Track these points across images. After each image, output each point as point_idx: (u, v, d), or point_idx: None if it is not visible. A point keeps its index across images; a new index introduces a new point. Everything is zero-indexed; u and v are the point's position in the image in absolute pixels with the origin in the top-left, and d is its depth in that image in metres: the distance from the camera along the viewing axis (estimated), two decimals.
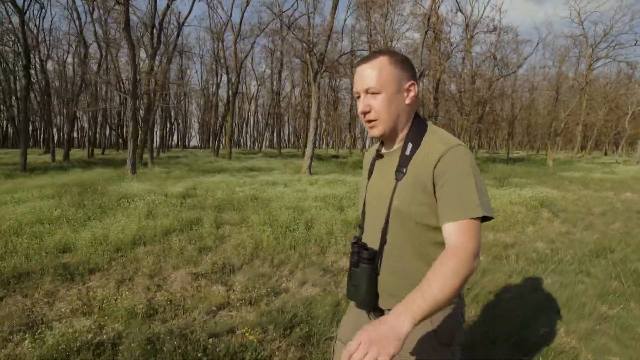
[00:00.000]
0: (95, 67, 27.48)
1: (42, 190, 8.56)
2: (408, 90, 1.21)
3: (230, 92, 27.68)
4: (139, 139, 16.88)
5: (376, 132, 1.21)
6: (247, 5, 25.32)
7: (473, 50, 23.13)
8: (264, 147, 67.19)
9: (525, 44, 40.35)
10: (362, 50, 18.36)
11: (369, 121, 1.20)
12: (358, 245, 1.26)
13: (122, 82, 28.51)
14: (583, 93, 27.97)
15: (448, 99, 20.79)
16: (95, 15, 24.85)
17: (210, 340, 2.66)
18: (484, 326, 3.03)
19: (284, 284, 3.86)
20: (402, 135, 1.24)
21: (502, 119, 31.49)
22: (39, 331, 2.77)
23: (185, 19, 22.47)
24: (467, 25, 21.42)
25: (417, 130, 1.22)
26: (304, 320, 3.01)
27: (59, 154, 25.05)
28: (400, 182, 1.17)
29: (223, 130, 31.69)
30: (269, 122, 55.57)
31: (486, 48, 23.18)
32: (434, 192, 1.12)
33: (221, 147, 34.05)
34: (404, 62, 1.20)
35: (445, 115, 22.17)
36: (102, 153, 33.64)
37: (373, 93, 1.18)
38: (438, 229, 1.14)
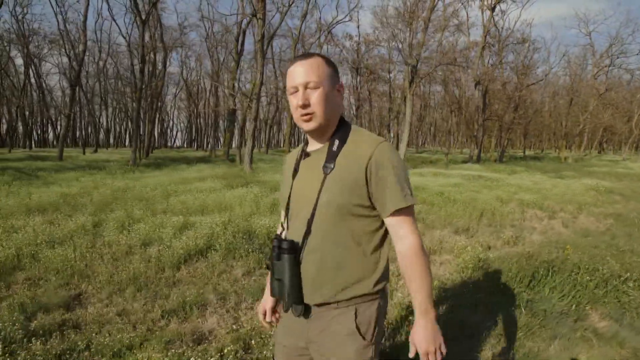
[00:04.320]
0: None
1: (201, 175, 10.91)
2: (338, 91, 1.29)
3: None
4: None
5: (311, 125, 1.24)
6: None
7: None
8: None
9: (537, 51, 43.14)
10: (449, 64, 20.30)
11: (306, 114, 1.23)
12: (278, 239, 1.28)
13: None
14: (600, 99, 30.93)
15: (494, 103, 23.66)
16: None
17: None
18: None
19: None
20: (329, 133, 1.29)
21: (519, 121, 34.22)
22: None
23: (276, 30, 22.99)
24: (499, 39, 24.02)
25: (343, 129, 1.29)
26: None
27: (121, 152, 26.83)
28: (329, 176, 1.21)
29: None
30: None
31: (513, 57, 25.79)
32: (367, 186, 1.19)
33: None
34: (334, 66, 1.29)
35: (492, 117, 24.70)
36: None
37: (313, 88, 1.22)
38: (367, 219, 1.23)
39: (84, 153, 25.83)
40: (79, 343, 2.70)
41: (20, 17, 29.51)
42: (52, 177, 11.77)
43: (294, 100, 1.24)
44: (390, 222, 1.21)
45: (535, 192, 10.09)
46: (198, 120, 49.72)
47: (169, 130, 62.29)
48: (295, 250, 1.24)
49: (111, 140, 51.30)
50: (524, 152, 33.73)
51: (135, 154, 16.82)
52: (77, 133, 48.38)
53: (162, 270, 4.21)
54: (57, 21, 24.11)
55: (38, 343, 2.67)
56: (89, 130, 43.53)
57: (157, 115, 35.65)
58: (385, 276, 1.27)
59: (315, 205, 1.21)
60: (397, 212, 1.18)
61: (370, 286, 1.23)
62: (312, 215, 1.22)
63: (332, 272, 1.21)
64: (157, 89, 25.25)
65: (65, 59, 35.29)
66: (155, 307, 3.36)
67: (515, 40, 24.25)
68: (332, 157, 1.23)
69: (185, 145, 66.39)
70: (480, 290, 3.68)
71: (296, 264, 1.24)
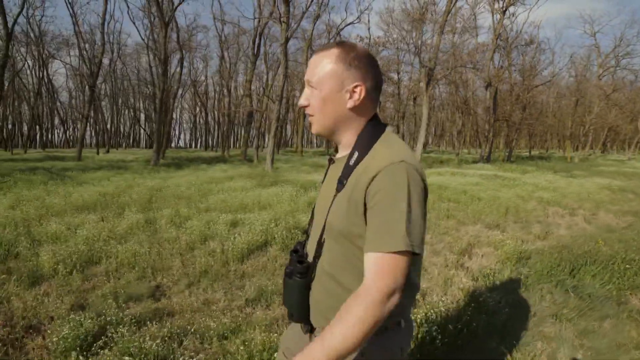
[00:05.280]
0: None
1: (227, 175, 11.27)
2: (352, 92, 1.05)
3: None
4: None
5: (312, 129, 1.12)
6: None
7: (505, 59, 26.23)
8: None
9: (542, 52, 43.55)
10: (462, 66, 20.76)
11: (309, 115, 1.11)
12: (297, 256, 1.19)
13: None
14: (607, 99, 31.32)
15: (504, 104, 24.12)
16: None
17: None
18: None
19: None
20: (349, 141, 1.10)
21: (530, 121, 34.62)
22: None
23: (293, 32, 23.84)
24: (507, 40, 24.37)
25: (367, 138, 1.07)
26: None
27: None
28: (338, 195, 1.06)
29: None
30: None
31: (519, 59, 26.16)
32: (364, 213, 0.99)
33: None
34: (356, 60, 1.05)
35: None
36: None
37: (311, 87, 1.08)
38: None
39: (97, 153, 26.24)
40: (187, 327, 3.03)
41: (36, 19, 29.91)
42: (82, 176, 12.13)
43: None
44: (365, 260, 0.97)
45: (552, 190, 10.44)
46: (206, 121, 50.10)
47: (172, 131, 62.79)
48: (306, 274, 1.14)
49: (117, 141, 51.76)
50: (530, 152, 34.13)
51: (157, 154, 17.22)
52: (86, 133, 48.91)
53: (227, 263, 4.56)
54: (73, 23, 24.44)
55: (151, 326, 2.99)
56: (97, 131, 43.97)
57: (172, 116, 36.14)
58: (398, 312, 1.03)
59: (324, 226, 1.09)
60: (373, 255, 0.95)
61: None
62: (321, 235, 1.11)
63: (335, 301, 1.04)
64: (175, 90, 25.70)
65: (75, 60, 35.78)
66: (236, 296, 3.70)
67: (523, 41, 24.66)
68: (347, 172, 1.05)
69: (188, 146, 66.91)
70: (528, 277, 4.05)
71: (306, 287, 1.14)
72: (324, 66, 1.05)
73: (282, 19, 13.43)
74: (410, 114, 34.56)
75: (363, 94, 1.06)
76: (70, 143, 51.74)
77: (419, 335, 2.50)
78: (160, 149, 16.12)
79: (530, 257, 4.78)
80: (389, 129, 1.12)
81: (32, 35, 31.37)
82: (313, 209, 1.24)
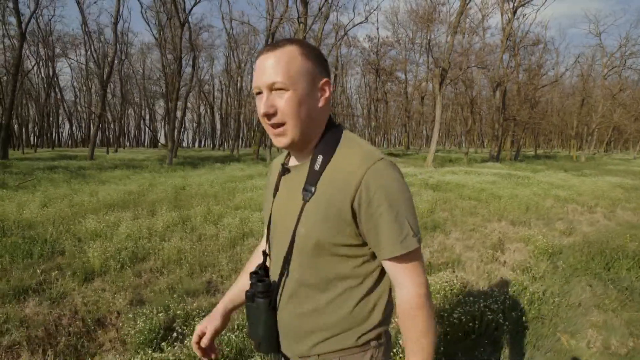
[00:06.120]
0: None
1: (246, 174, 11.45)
2: (322, 90, 0.98)
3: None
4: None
5: (283, 141, 0.96)
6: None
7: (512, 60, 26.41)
8: None
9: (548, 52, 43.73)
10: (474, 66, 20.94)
11: (275, 126, 0.94)
12: (256, 277, 1.07)
13: None
14: (613, 99, 31.51)
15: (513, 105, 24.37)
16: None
17: None
18: None
19: None
20: (312, 145, 1.00)
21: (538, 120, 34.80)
22: None
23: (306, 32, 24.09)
24: (514, 41, 24.56)
25: (330, 139, 0.99)
26: None
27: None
28: (308, 204, 0.95)
29: None
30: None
31: (526, 59, 26.37)
32: (355, 221, 0.92)
33: None
34: (317, 55, 0.98)
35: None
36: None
37: (279, 89, 0.92)
38: (357, 259, 0.97)
39: (107, 152, 26.44)
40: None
41: (44, 19, 30.09)
42: (101, 175, 12.34)
43: (259, 106, 0.95)
44: (388, 266, 0.95)
45: (567, 188, 10.60)
46: (213, 120, 50.29)
47: (175, 130, 62.99)
48: (270, 294, 1.03)
49: (121, 140, 52.00)
50: (535, 151, 34.32)
51: (172, 153, 17.44)
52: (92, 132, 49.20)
53: None
54: (83, 22, 24.61)
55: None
56: (104, 130, 44.25)
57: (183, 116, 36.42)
58: (380, 325, 1.01)
59: (292, 240, 0.98)
60: (395, 258, 0.93)
61: (354, 339, 0.98)
62: (289, 251, 0.99)
63: (310, 322, 0.99)
64: (188, 89, 25.91)
65: (82, 59, 35.96)
66: None
67: (530, 41, 24.83)
68: (313, 178, 0.96)
69: (191, 145, 67.08)
70: (564, 270, 4.22)
71: (271, 310, 1.04)
72: (293, 64, 0.92)
73: (299, 20, 13.59)
74: (418, 113, 34.71)
75: (331, 91, 1.00)
76: (77, 142, 52.02)
77: (485, 322, 2.68)
78: (174, 148, 16.30)
79: (561, 251, 4.95)
80: (345, 129, 1.05)
81: (39, 34, 31.56)
82: (268, 225, 1.11)
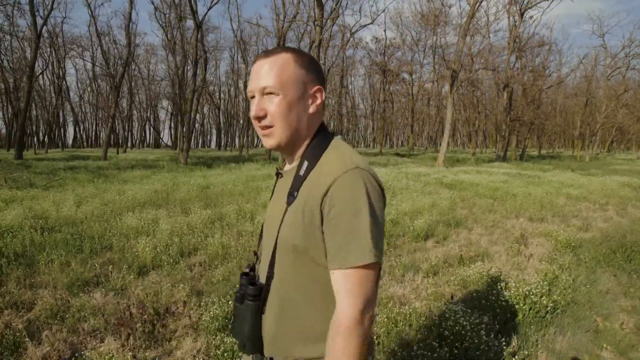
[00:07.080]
0: None
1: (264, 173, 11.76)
2: (314, 97, 1.02)
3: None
4: None
5: (270, 142, 1.01)
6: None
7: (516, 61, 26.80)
8: None
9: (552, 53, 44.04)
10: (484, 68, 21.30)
11: (264, 127, 1.00)
12: (247, 278, 1.09)
13: None
14: (617, 100, 31.85)
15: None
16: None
17: None
18: None
19: None
20: (301, 150, 1.04)
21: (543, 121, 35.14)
22: None
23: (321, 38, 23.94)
24: (519, 42, 24.88)
25: (317, 145, 1.02)
26: None
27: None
28: (289, 208, 0.98)
29: None
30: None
31: (533, 60, 26.74)
32: (322, 225, 0.93)
33: None
34: (310, 63, 1.02)
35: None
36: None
37: (269, 94, 0.97)
38: (325, 267, 0.95)
39: (118, 153, 26.79)
40: None
41: (52, 21, 30.45)
42: (121, 175, 12.64)
43: (251, 109, 1.00)
44: (332, 278, 0.93)
45: (577, 187, 10.91)
46: (219, 121, 50.61)
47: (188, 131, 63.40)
48: (259, 296, 1.05)
49: (129, 140, 52.39)
50: (539, 151, 34.70)
51: (187, 153, 17.80)
52: (101, 133, 49.67)
53: None
54: (94, 25, 24.95)
55: None
56: (113, 130, 44.68)
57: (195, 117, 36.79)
58: None
59: (276, 243, 1.00)
60: (339, 271, 0.91)
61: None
62: (273, 254, 1.01)
63: (290, 327, 1.01)
64: (200, 91, 26.30)
65: (88, 61, 36.29)
66: None
67: (535, 43, 25.16)
68: (297, 183, 0.99)
69: (196, 146, 67.41)
70: (587, 262, 4.54)
71: (258, 312, 1.05)
72: (285, 70, 0.97)
73: (315, 22, 13.91)
74: (422, 114, 35.09)
75: (323, 98, 1.04)
76: (83, 143, 52.36)
77: (530, 307, 3.02)
78: (189, 148, 16.65)
79: (581, 245, 5.27)
80: (337, 137, 1.07)
81: (48, 36, 31.90)
82: (262, 228, 1.16)
